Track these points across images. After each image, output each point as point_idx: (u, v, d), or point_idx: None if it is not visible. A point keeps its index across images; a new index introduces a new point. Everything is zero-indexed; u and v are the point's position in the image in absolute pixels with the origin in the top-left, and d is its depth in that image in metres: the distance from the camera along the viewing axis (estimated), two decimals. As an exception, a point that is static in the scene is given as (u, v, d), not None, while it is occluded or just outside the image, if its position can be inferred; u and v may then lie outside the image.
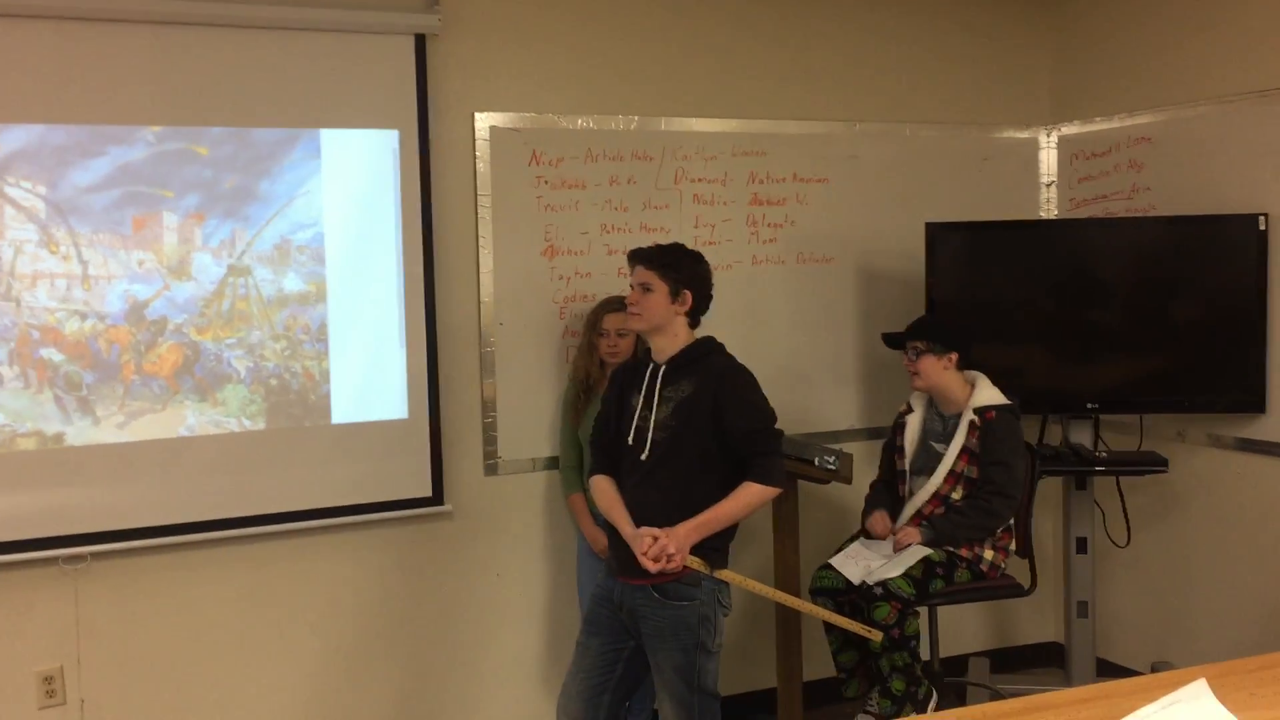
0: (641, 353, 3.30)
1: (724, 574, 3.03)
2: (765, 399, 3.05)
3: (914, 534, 3.63)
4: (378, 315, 3.75)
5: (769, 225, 4.28)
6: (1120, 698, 2.01)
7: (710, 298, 3.12)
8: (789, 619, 3.70)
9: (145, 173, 3.45)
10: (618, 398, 3.16)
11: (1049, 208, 4.69)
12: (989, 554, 3.67)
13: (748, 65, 4.24)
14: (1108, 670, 4.27)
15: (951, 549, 3.62)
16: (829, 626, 3.59)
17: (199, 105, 3.50)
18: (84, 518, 3.43)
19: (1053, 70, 4.71)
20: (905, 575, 3.52)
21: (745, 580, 3.07)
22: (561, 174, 3.97)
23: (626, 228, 4.05)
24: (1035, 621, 4.78)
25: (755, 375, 3.07)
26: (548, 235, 3.96)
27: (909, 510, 3.74)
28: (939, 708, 3.58)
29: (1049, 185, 4.69)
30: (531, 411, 3.97)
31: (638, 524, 2.98)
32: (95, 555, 3.47)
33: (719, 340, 3.13)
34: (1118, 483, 4.24)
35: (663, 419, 3.00)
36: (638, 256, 3.09)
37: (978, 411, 3.66)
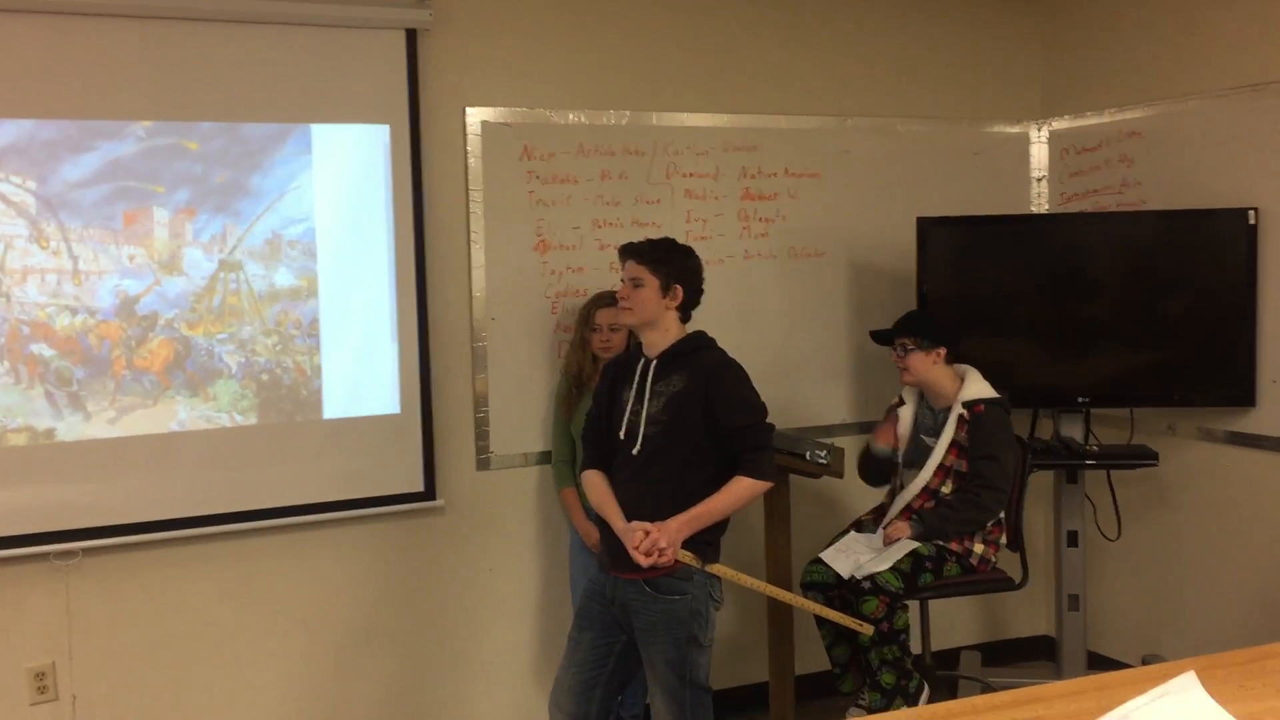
0: (633, 347, 3.31)
1: (716, 568, 3.04)
2: (756, 393, 3.06)
3: (904, 528, 3.64)
4: (369, 310, 3.75)
5: (760, 220, 4.28)
6: (1110, 690, 2.01)
7: (701, 292, 3.13)
8: (781, 613, 3.71)
9: (136, 168, 3.45)
10: (609, 392, 3.17)
11: (1040, 202, 4.70)
12: (979, 548, 3.68)
13: (739, 60, 4.24)
14: (1099, 663, 4.29)
15: (941, 543, 3.62)
16: (821, 621, 3.61)
17: (189, 100, 3.49)
18: (75, 513, 3.43)
19: (1043, 65, 4.71)
20: (893, 569, 3.52)
21: (737, 574, 3.08)
22: (553, 169, 3.97)
23: (618, 222, 4.05)
24: (1027, 615, 4.80)
25: (746, 369, 3.08)
26: (539, 230, 3.96)
27: (899, 504, 3.75)
28: (931, 701, 3.60)
29: (1040, 180, 4.70)
30: (523, 406, 3.97)
31: (629, 518, 2.98)
32: (87, 551, 3.46)
33: (710, 335, 3.13)
34: (1108, 476, 4.26)
35: (654, 414, 3.01)
36: (629, 251, 3.09)
37: (966, 405, 3.67)
